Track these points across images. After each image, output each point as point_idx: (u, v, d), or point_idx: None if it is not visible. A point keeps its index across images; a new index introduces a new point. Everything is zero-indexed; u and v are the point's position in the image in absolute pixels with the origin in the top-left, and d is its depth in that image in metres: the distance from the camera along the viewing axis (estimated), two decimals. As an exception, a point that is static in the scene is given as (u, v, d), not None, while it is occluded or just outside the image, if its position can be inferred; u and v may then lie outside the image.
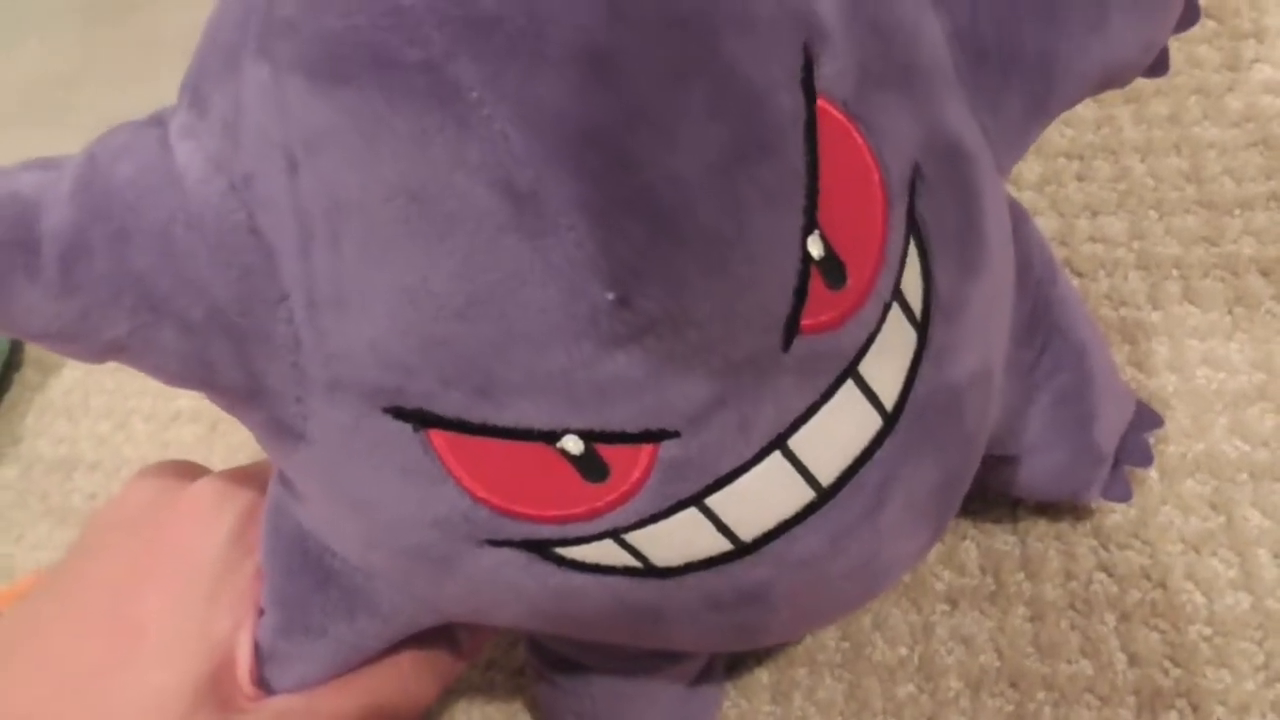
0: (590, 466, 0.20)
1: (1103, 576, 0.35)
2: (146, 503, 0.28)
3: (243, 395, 0.22)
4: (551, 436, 0.20)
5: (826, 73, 0.19)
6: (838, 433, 0.22)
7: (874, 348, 0.21)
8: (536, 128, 0.17)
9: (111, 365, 0.23)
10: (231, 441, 0.47)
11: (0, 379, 0.53)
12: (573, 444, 0.20)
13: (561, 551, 0.22)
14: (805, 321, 0.20)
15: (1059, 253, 0.40)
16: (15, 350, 0.54)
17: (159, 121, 0.21)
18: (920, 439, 0.23)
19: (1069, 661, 0.34)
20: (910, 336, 0.22)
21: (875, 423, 0.22)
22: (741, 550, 0.22)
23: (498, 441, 0.20)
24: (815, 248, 0.19)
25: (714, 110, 0.18)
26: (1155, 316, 0.39)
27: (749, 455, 0.21)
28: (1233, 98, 0.42)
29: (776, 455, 0.21)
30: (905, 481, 0.23)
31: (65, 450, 0.51)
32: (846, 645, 0.36)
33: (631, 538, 0.21)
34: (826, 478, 0.22)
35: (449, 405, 0.20)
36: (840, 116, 0.20)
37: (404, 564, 0.23)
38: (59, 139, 0.24)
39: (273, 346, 0.21)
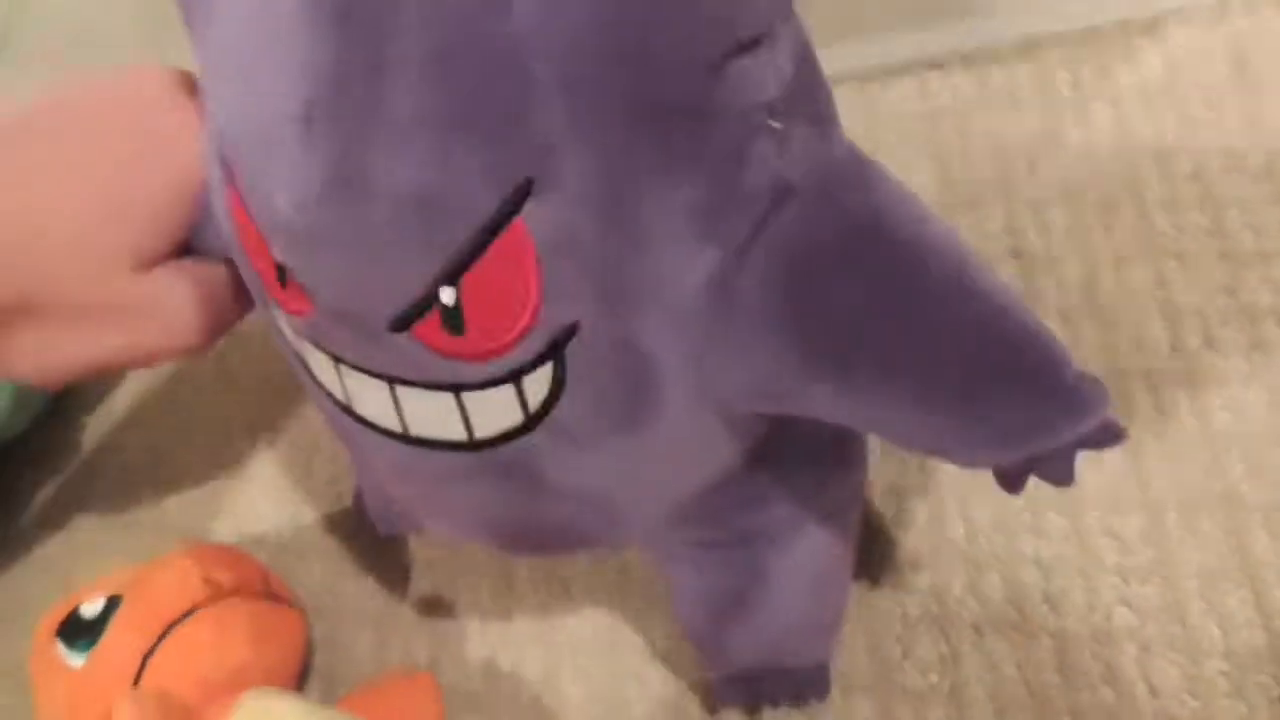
0: (281, 275, 0.26)
1: (1124, 610, 0.37)
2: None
3: None
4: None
5: (537, 210, 0.22)
6: (429, 413, 0.26)
7: (475, 394, 0.25)
8: None
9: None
10: (282, 454, 0.50)
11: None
12: (277, 253, 0.25)
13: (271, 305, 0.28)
14: (419, 333, 0.24)
15: (1077, 297, 0.42)
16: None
17: None
18: (496, 476, 0.27)
19: (1092, 690, 0.36)
20: (517, 415, 0.26)
21: (461, 435, 0.26)
22: (347, 409, 0.28)
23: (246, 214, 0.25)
24: (446, 296, 0.23)
25: (418, 169, 0.22)
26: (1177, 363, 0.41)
27: (360, 366, 0.26)
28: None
29: (382, 384, 0.26)
30: (472, 486, 0.28)
31: (115, 456, 0.53)
32: (877, 670, 0.38)
33: (304, 345, 0.27)
34: (414, 431, 0.27)
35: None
36: (528, 247, 0.22)
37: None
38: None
39: None
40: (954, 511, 0.40)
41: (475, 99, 0.21)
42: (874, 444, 0.36)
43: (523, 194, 0.22)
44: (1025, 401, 0.25)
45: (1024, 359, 0.25)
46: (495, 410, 0.26)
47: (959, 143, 0.48)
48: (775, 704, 0.37)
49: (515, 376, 0.25)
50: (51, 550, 0.51)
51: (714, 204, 0.23)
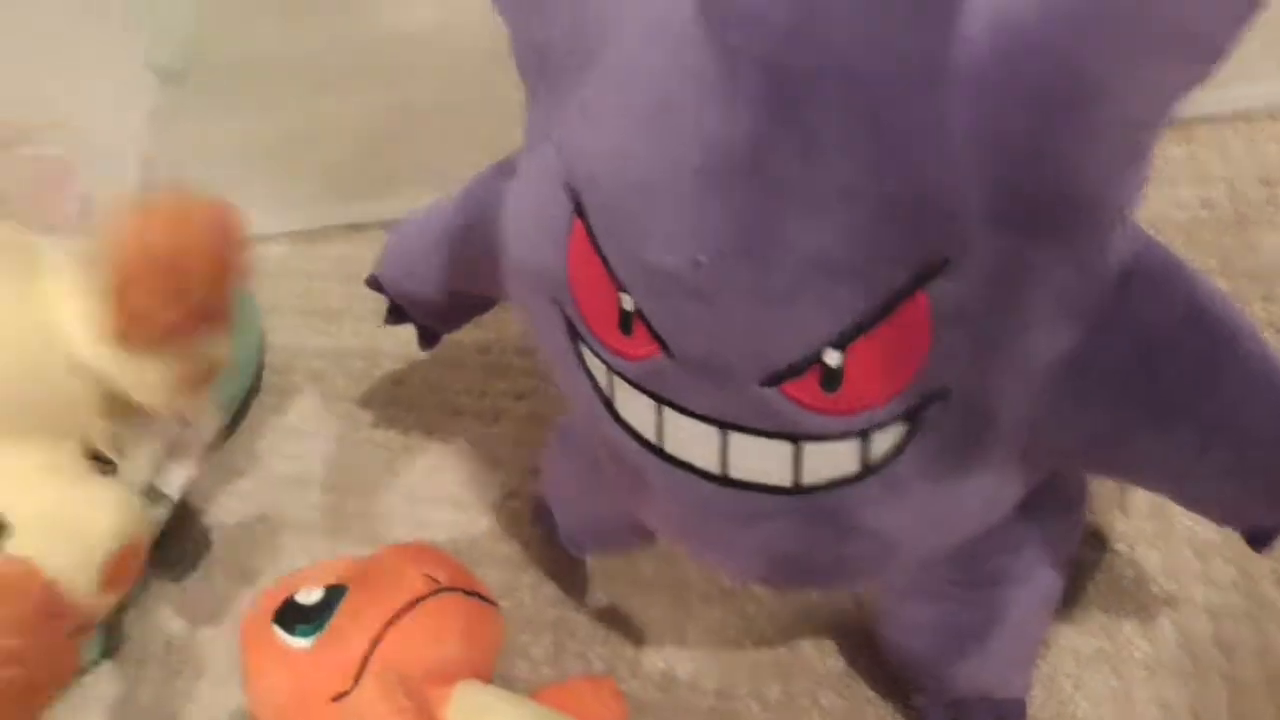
0: (626, 322, 0.27)
1: (1296, 657, 0.38)
2: None
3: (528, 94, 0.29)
4: (621, 288, 0.27)
5: (943, 285, 0.24)
6: (758, 460, 0.28)
7: (819, 445, 0.27)
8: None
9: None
10: (459, 468, 0.53)
11: (242, 404, 0.59)
12: (628, 302, 0.27)
13: (579, 344, 0.30)
14: (790, 387, 0.26)
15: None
16: (256, 378, 0.60)
17: None
18: (802, 519, 0.29)
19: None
20: (853, 465, 0.28)
21: (787, 481, 0.28)
22: (656, 450, 0.30)
23: (598, 258, 0.27)
24: (831, 358, 0.25)
25: (838, 237, 0.23)
26: None
27: (697, 411, 0.28)
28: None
29: (714, 430, 0.28)
30: (770, 527, 0.30)
31: (299, 467, 0.56)
32: (1050, 704, 0.40)
33: (614, 378, 0.29)
34: (731, 474, 0.29)
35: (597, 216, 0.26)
36: (926, 318, 0.24)
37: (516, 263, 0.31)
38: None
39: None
40: (1124, 557, 0.42)
41: (903, 180, 0.22)
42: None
43: (934, 270, 0.23)
44: None
45: None
46: (832, 460, 0.27)
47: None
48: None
49: (866, 432, 0.27)
50: (241, 553, 0.53)
51: (1081, 286, 0.25)
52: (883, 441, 0.27)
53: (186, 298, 0.33)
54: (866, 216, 0.23)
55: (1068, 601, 0.42)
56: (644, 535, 0.41)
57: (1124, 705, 0.40)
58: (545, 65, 0.28)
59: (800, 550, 0.31)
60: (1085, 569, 0.42)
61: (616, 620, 0.46)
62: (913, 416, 0.26)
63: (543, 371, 0.56)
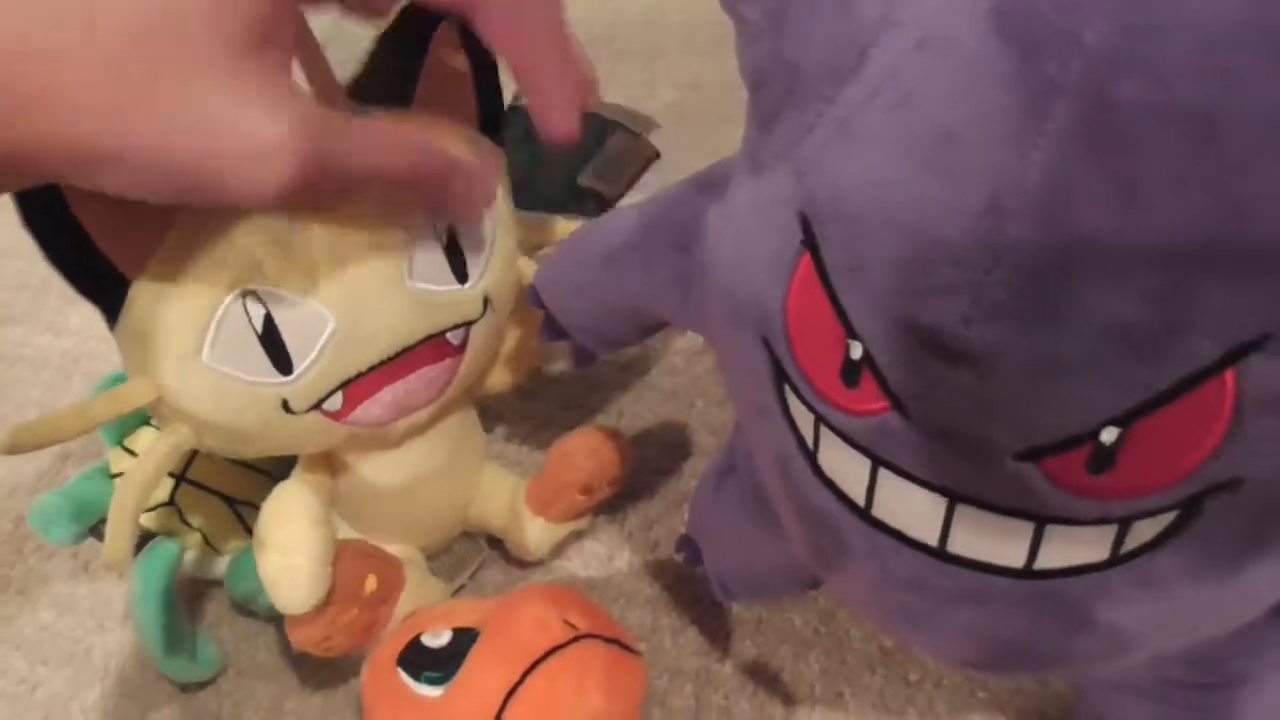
0: (852, 373, 0.24)
1: None
2: None
3: (757, 115, 0.26)
4: (854, 334, 0.23)
5: (1258, 365, 0.20)
6: (987, 539, 0.25)
7: (1066, 529, 0.23)
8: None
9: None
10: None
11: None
12: (857, 350, 0.24)
13: (784, 386, 0.27)
14: (1050, 463, 0.22)
15: None
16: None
17: None
18: (1030, 606, 0.26)
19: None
20: (1102, 553, 0.24)
21: (1018, 562, 0.25)
22: (862, 514, 0.27)
23: (827, 301, 0.24)
24: (1107, 435, 0.21)
25: (1144, 301, 0.19)
26: None
27: (925, 480, 0.25)
28: None
29: (939, 499, 0.25)
30: (991, 611, 0.26)
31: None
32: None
33: (821, 429, 0.26)
34: (950, 548, 0.25)
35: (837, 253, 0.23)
36: (1230, 399, 0.20)
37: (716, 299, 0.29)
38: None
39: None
40: None
41: (1235, 247, 0.19)
42: None
43: (1250, 347, 0.20)
44: None
45: None
46: (1077, 547, 0.24)
47: None
48: None
49: (1128, 520, 0.23)
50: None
51: None
52: (1144, 531, 0.23)
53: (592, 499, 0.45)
54: (1183, 283, 0.19)
55: None
56: (803, 584, 0.38)
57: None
58: (795, 82, 0.24)
59: (1018, 638, 0.27)
60: None
61: (764, 675, 0.43)
62: (1188, 506, 0.22)
63: (681, 392, 0.53)
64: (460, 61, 0.36)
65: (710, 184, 0.31)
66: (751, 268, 0.26)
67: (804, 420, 0.27)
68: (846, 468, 0.26)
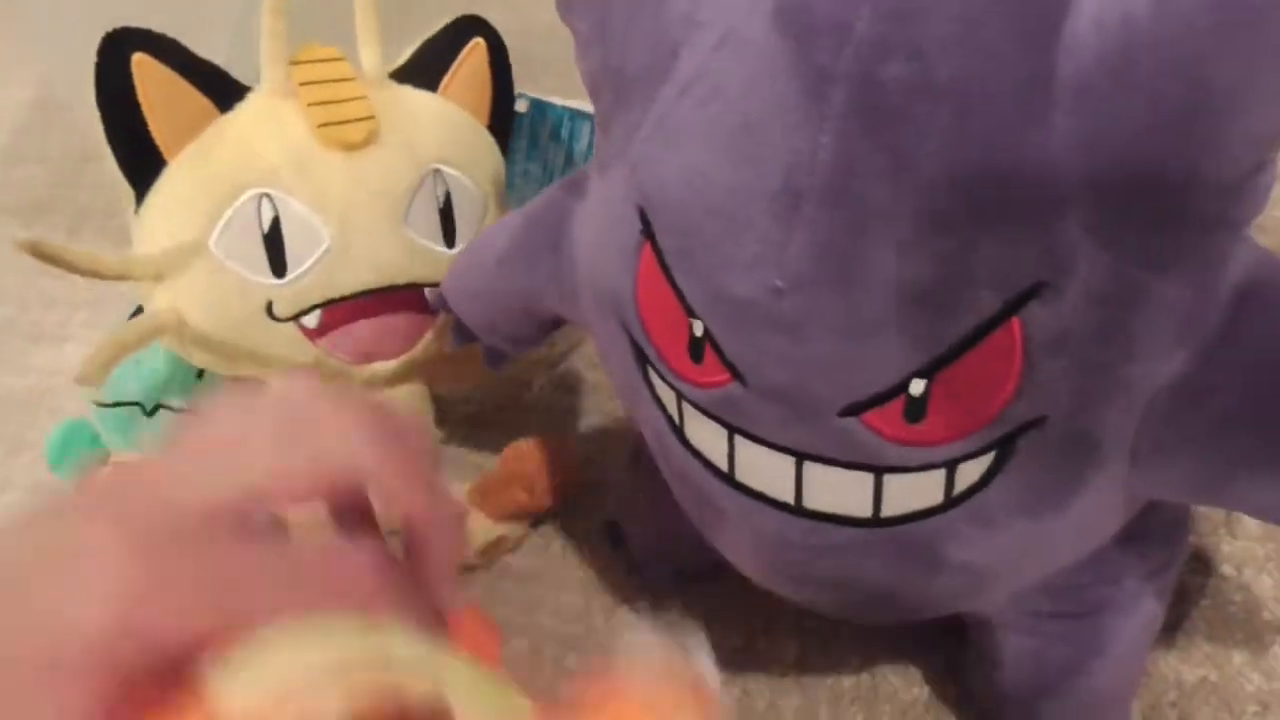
0: (696, 349, 0.26)
1: None
2: None
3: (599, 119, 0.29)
4: (692, 314, 0.26)
5: (1038, 311, 0.22)
6: (836, 492, 0.27)
7: (902, 477, 0.26)
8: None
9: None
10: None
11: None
12: (698, 328, 0.26)
13: (648, 369, 0.29)
14: (868, 418, 0.25)
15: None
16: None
17: None
18: (885, 552, 0.28)
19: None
20: (937, 496, 0.26)
21: (866, 512, 0.27)
22: (726, 478, 0.29)
23: (666, 285, 0.26)
24: (915, 387, 0.24)
25: (932, 258, 0.22)
26: None
27: (772, 442, 0.27)
28: None
29: (789, 459, 0.27)
30: (851, 559, 0.29)
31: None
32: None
33: (683, 404, 0.28)
34: (807, 504, 0.28)
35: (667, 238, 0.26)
36: (1018, 345, 0.23)
37: (589, 291, 0.31)
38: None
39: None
40: (1232, 581, 0.40)
41: (999, 205, 0.21)
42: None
43: (1027, 296, 0.22)
44: None
45: None
46: (914, 492, 0.26)
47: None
48: None
49: (953, 463, 0.25)
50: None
51: (1194, 308, 0.23)
52: (970, 472, 0.26)
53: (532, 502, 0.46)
54: (959, 241, 0.21)
55: (1169, 627, 0.40)
56: (720, 563, 0.39)
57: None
58: (621, 86, 0.27)
59: (881, 583, 0.30)
60: (1189, 594, 0.40)
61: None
62: (1003, 446, 0.25)
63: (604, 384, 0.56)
64: (485, 72, 0.43)
65: (575, 185, 0.34)
66: (604, 260, 0.29)
67: (667, 397, 0.29)
68: (708, 437, 0.28)
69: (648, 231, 0.26)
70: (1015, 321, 0.22)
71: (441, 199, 0.40)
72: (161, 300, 0.39)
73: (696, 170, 0.24)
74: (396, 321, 0.41)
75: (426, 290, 0.42)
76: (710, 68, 0.23)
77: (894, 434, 0.25)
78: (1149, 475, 0.26)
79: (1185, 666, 0.39)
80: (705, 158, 0.24)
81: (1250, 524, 0.41)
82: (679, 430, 0.30)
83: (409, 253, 0.40)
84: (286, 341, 0.39)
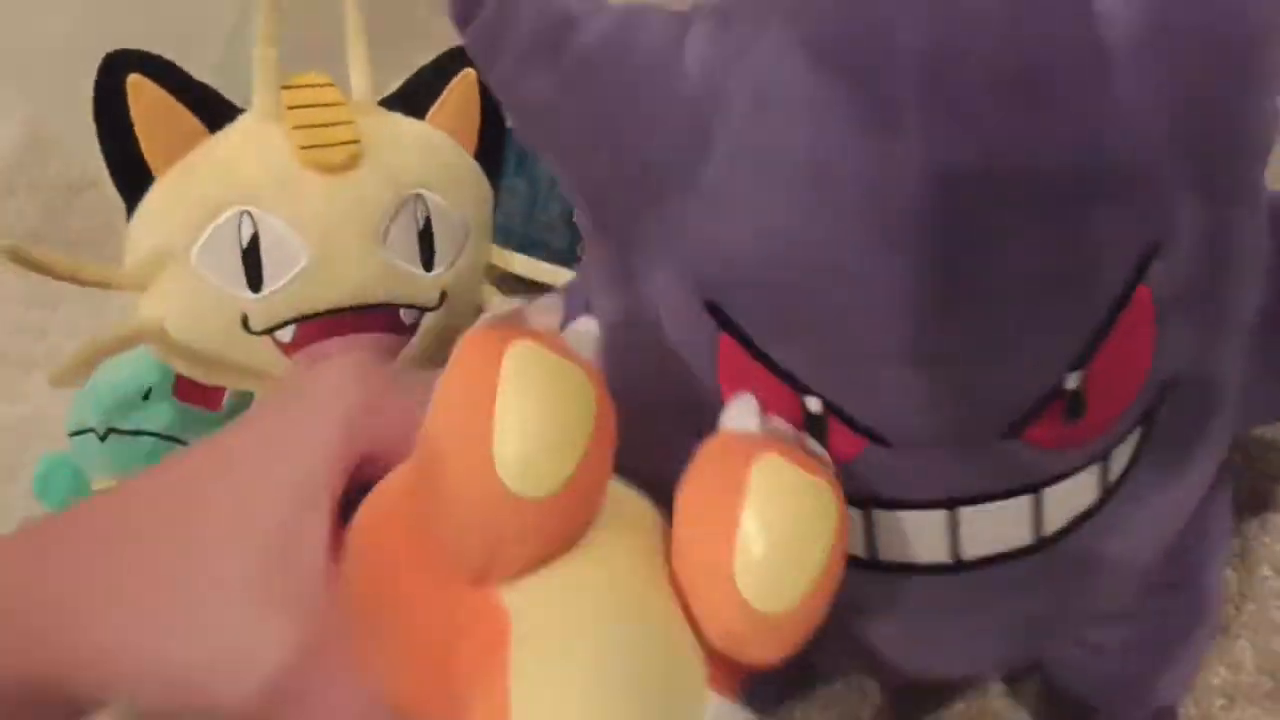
0: (817, 426, 0.24)
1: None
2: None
3: (607, 230, 0.26)
4: (805, 391, 0.24)
5: (1158, 273, 0.23)
6: (995, 527, 0.25)
7: (1061, 485, 0.25)
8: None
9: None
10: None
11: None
12: (814, 405, 0.24)
13: None
14: (1030, 433, 0.23)
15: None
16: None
17: (687, 21, 0.25)
18: (1047, 572, 0.27)
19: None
20: (1094, 493, 0.26)
21: (1026, 539, 0.26)
22: (870, 564, 0.26)
23: (766, 371, 0.24)
24: (1072, 382, 0.23)
25: (1053, 249, 0.22)
26: None
27: (921, 499, 0.25)
28: None
29: (940, 513, 0.25)
30: (1015, 595, 0.27)
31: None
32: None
33: None
34: (966, 555, 0.26)
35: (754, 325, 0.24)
36: (1149, 308, 0.23)
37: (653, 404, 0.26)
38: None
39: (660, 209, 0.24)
40: None
41: (1099, 182, 0.21)
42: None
43: (1149, 258, 0.22)
44: None
45: None
46: (1073, 497, 0.25)
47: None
48: None
49: (1107, 452, 0.25)
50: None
51: (1262, 234, 0.24)
52: (1121, 456, 0.25)
53: None
54: (1074, 224, 0.21)
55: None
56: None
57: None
58: (647, 184, 0.24)
59: (1047, 610, 0.28)
60: None
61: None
62: (1148, 418, 0.24)
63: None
64: (474, 101, 0.45)
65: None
66: (666, 378, 0.26)
67: None
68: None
69: (726, 323, 0.24)
70: (1142, 288, 0.22)
71: (421, 223, 0.42)
72: (145, 310, 0.40)
73: (777, 235, 0.22)
74: (372, 340, 0.42)
75: None
76: (756, 129, 0.22)
77: (1055, 440, 0.24)
78: (1257, 406, 0.27)
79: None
80: (782, 220, 0.22)
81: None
82: None
83: (385, 273, 0.41)
84: (261, 354, 0.41)
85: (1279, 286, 0.26)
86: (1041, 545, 0.26)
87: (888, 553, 0.26)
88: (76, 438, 0.53)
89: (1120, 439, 0.25)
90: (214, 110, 0.40)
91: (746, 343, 0.24)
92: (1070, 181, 0.21)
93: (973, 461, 0.24)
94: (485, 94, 0.45)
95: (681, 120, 0.23)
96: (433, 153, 0.44)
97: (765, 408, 0.24)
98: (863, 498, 0.25)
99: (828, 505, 0.22)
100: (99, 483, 0.53)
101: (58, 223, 0.75)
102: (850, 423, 0.24)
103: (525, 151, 0.46)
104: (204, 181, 0.39)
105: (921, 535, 0.26)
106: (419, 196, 0.42)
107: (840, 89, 0.21)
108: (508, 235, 0.47)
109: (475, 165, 0.45)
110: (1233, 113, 0.22)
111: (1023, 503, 0.25)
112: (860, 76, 0.21)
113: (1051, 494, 0.25)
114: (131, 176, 0.39)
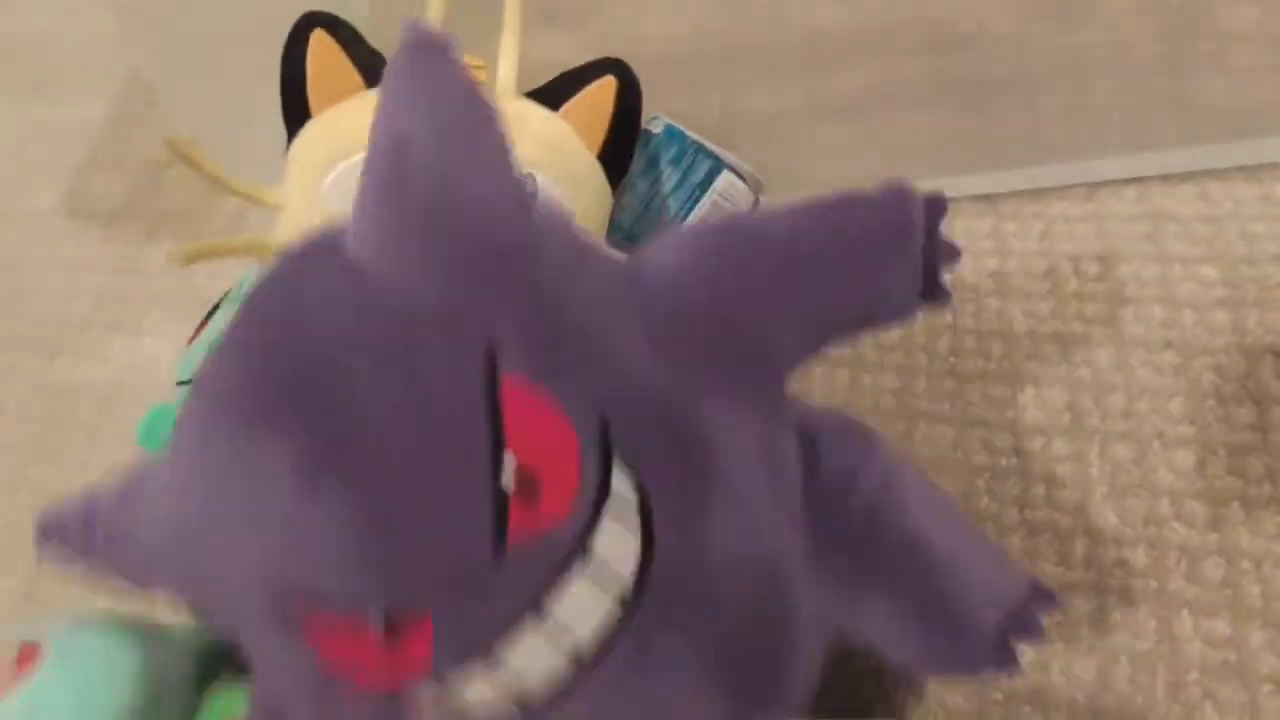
0: (392, 631, 0.27)
1: None
2: None
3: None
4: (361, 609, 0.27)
5: (509, 359, 0.27)
6: (581, 613, 0.27)
7: (595, 549, 0.27)
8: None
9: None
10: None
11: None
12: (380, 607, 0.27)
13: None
14: (513, 525, 0.26)
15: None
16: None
17: None
18: (666, 618, 0.28)
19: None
20: (632, 539, 0.28)
21: (610, 604, 0.27)
22: (527, 713, 0.28)
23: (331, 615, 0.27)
24: (507, 478, 0.26)
25: (413, 411, 0.26)
26: None
27: (504, 632, 0.27)
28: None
29: (532, 633, 0.27)
30: (663, 653, 0.28)
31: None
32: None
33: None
34: (586, 651, 0.28)
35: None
36: (525, 385, 0.27)
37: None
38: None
39: None
40: (1251, 575, 0.44)
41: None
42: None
43: (492, 358, 0.27)
44: None
45: None
46: (617, 552, 0.28)
47: (1243, 247, 0.52)
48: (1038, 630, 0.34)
49: (600, 502, 0.28)
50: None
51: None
52: (623, 496, 0.28)
53: None
54: (418, 372, 0.27)
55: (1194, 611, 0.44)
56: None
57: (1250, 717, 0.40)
58: None
59: (712, 646, 0.29)
60: (1212, 584, 0.43)
61: None
62: (607, 453, 0.28)
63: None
64: (608, 105, 0.48)
65: None
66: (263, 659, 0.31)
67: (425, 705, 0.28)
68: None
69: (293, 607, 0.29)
70: (506, 378, 0.27)
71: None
72: (279, 231, 0.45)
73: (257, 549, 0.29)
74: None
75: None
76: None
77: (542, 521, 0.27)
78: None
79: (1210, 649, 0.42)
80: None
81: (1269, 523, 0.45)
82: None
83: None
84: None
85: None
86: (633, 606, 0.28)
87: (535, 699, 0.28)
88: (181, 387, 0.56)
89: (602, 481, 0.28)
90: (376, 73, 0.44)
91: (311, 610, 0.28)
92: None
93: (506, 581, 0.27)
94: (623, 101, 0.48)
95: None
96: (553, 140, 0.47)
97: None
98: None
99: None
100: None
101: (143, 200, 0.78)
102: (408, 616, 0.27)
103: (656, 157, 0.49)
104: (347, 127, 0.44)
105: (536, 661, 0.28)
106: (530, 175, 0.45)
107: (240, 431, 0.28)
108: (615, 227, 0.50)
109: (594, 161, 0.48)
110: (475, 247, 0.29)
111: (581, 584, 0.27)
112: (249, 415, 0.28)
113: (594, 562, 0.27)
114: (296, 112, 0.45)
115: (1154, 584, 0.44)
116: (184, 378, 0.54)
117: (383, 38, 0.45)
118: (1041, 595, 0.34)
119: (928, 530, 0.33)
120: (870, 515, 0.32)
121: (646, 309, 0.30)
